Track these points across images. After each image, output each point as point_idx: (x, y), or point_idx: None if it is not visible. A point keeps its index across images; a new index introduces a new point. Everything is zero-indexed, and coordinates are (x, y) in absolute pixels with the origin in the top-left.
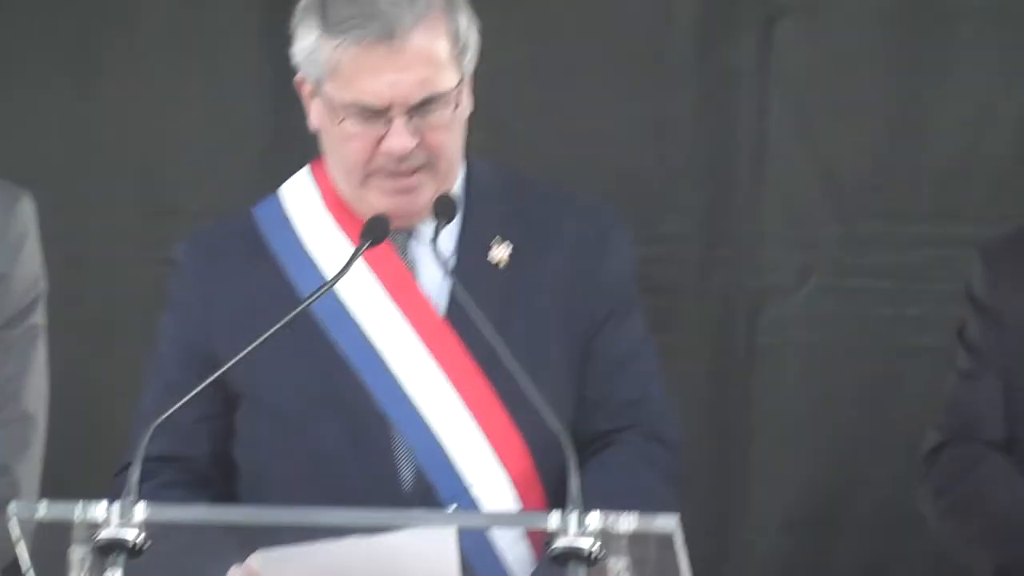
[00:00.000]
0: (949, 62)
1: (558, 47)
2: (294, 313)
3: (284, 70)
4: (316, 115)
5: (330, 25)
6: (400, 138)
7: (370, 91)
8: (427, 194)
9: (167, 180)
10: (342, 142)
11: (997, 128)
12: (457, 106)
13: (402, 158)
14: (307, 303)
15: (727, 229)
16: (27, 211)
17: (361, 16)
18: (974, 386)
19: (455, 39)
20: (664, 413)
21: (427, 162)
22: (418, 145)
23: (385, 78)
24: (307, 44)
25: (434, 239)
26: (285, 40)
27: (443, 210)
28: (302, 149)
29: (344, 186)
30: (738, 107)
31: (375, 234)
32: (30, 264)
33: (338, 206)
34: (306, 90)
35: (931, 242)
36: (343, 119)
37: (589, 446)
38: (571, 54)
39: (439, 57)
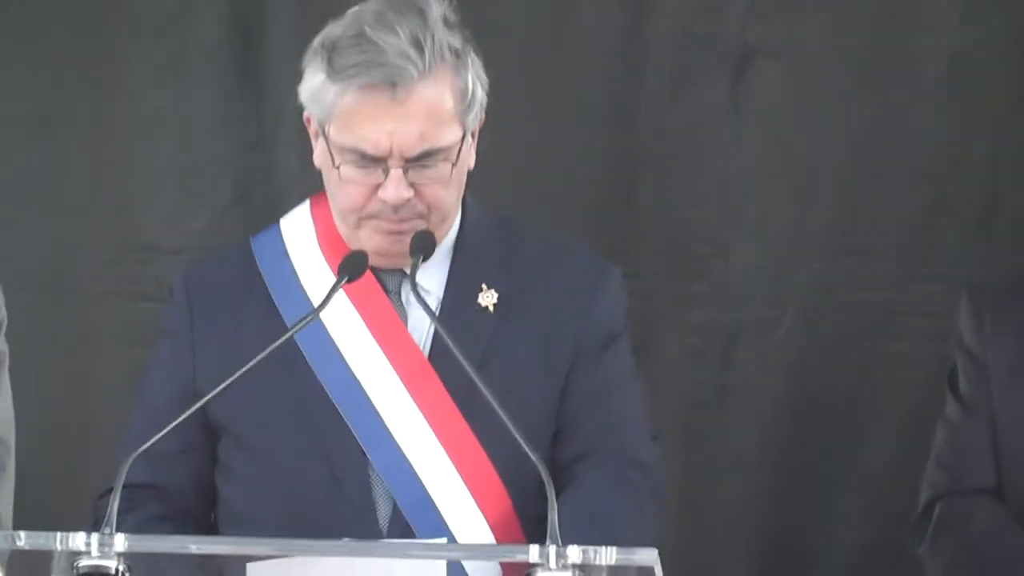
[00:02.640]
0: (919, 102)
1: (531, 84)
2: (274, 346)
3: (258, 111)
4: (319, 154)
5: (336, 70)
6: (396, 189)
7: (370, 139)
8: (417, 244)
9: (142, 217)
10: (340, 185)
11: (966, 165)
12: (457, 162)
13: (396, 208)
14: (286, 337)
15: (702, 265)
16: None
17: (367, 64)
18: (962, 436)
19: (461, 95)
20: (639, 435)
21: (421, 214)
22: (414, 197)
23: (385, 127)
24: (313, 85)
25: (412, 275)
26: (260, 81)
27: (419, 246)
28: (276, 189)
29: (340, 225)
30: (712, 145)
31: (351, 271)
32: None
33: (332, 241)
34: (312, 128)
35: (907, 279)
36: (342, 163)
37: (563, 473)
38: (543, 92)
39: (442, 111)
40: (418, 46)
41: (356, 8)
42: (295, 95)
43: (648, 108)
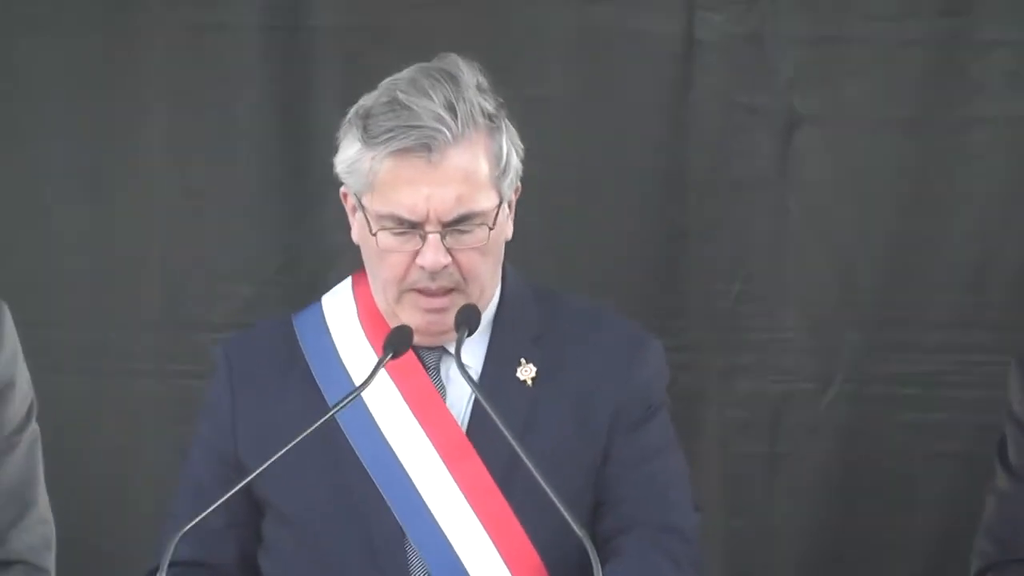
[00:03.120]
0: (962, 170)
1: (576, 153)
2: (316, 424)
3: (302, 184)
4: (357, 228)
5: (371, 136)
6: (434, 254)
7: (406, 204)
8: (458, 320)
9: (186, 291)
10: (380, 256)
11: (1012, 234)
12: (494, 227)
13: (435, 274)
14: (329, 415)
15: (748, 336)
16: (10, 320)
17: (401, 128)
18: (1013, 505)
19: (496, 160)
20: (680, 506)
21: (459, 285)
22: (452, 263)
23: (422, 191)
24: (349, 156)
25: (457, 350)
26: (305, 153)
27: (464, 320)
28: (318, 263)
29: (381, 300)
30: (759, 214)
31: (396, 346)
32: (25, 372)
33: (373, 319)
34: (349, 203)
35: (951, 349)
36: (380, 230)
37: (605, 546)
38: (589, 161)
39: (478, 176)
40: (451, 110)
41: (389, 78)
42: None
43: (694, 177)
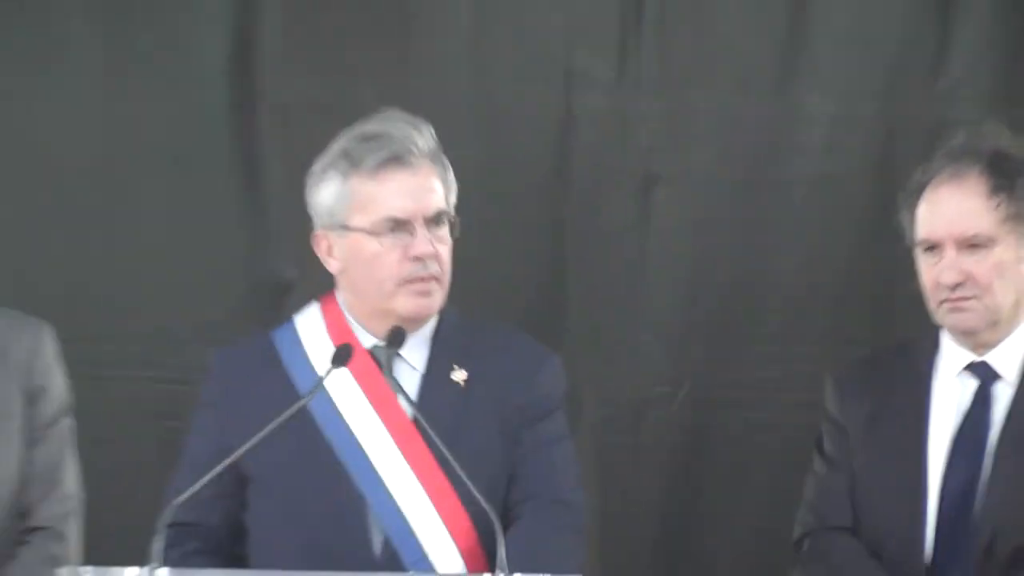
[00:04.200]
0: (787, 219)
1: (477, 207)
2: (290, 412)
3: (257, 230)
4: (339, 256)
5: (354, 163)
6: (425, 244)
7: (398, 206)
8: (437, 300)
9: (168, 310)
10: (374, 261)
11: (828, 270)
12: (452, 228)
13: (426, 262)
14: (299, 404)
15: (616, 350)
16: (52, 338)
17: (378, 145)
18: (826, 486)
19: (444, 179)
20: (568, 482)
21: (438, 274)
22: (432, 255)
23: (409, 193)
24: (329, 194)
25: (388, 361)
26: (262, 199)
27: (394, 338)
28: (271, 291)
29: (373, 301)
30: (623, 254)
31: (340, 360)
32: (60, 379)
33: (340, 330)
34: (323, 245)
35: (777, 361)
36: (380, 233)
37: (509, 512)
38: (490, 212)
39: (439, 183)
40: (416, 136)
41: (345, 132)
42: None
43: (572, 225)
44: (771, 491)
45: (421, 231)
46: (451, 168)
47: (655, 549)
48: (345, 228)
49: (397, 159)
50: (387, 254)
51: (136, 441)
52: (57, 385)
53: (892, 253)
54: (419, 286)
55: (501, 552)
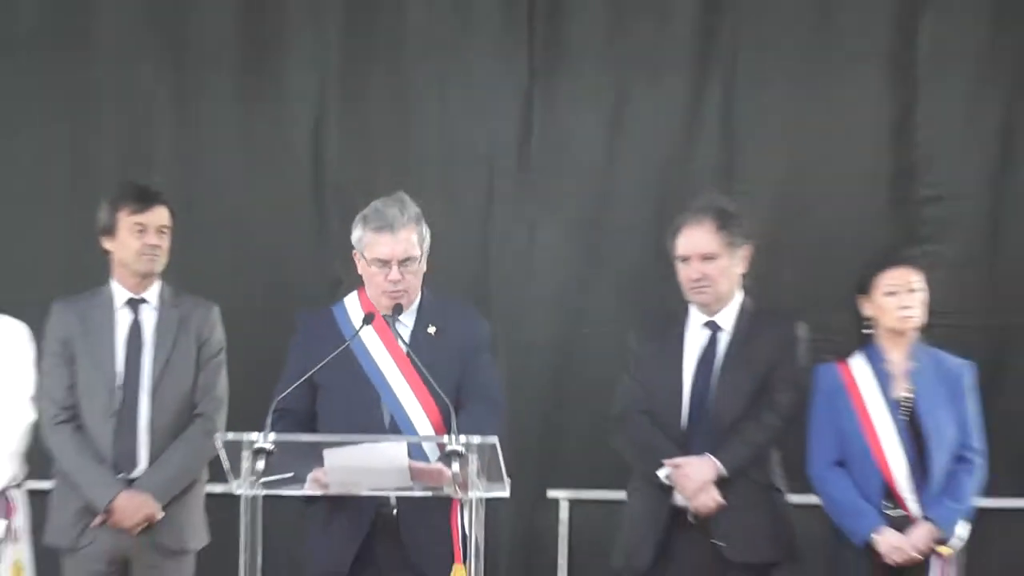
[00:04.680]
0: (611, 248)
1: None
2: (340, 348)
3: (325, 249)
4: (361, 269)
5: (367, 224)
6: (395, 275)
7: (384, 253)
8: (404, 303)
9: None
10: (372, 278)
11: (651, 280)
12: (420, 265)
13: (396, 285)
14: (345, 344)
15: (508, 302)
16: (216, 312)
17: (380, 219)
18: (631, 388)
19: (420, 236)
20: (494, 388)
21: (405, 290)
22: (401, 280)
23: (389, 246)
24: (357, 236)
25: (393, 324)
26: (327, 235)
27: (396, 311)
28: (331, 284)
29: (371, 296)
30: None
31: (367, 320)
32: (219, 334)
33: (367, 307)
34: (358, 258)
35: (602, 324)
36: (373, 265)
37: (461, 405)
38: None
39: (414, 241)
40: (402, 211)
41: (373, 203)
42: (342, 243)
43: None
44: (600, 399)
45: (395, 267)
46: (425, 227)
47: (528, 430)
48: (362, 256)
49: (387, 226)
50: (376, 276)
51: (252, 368)
52: (215, 338)
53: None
54: (391, 297)
55: (454, 424)
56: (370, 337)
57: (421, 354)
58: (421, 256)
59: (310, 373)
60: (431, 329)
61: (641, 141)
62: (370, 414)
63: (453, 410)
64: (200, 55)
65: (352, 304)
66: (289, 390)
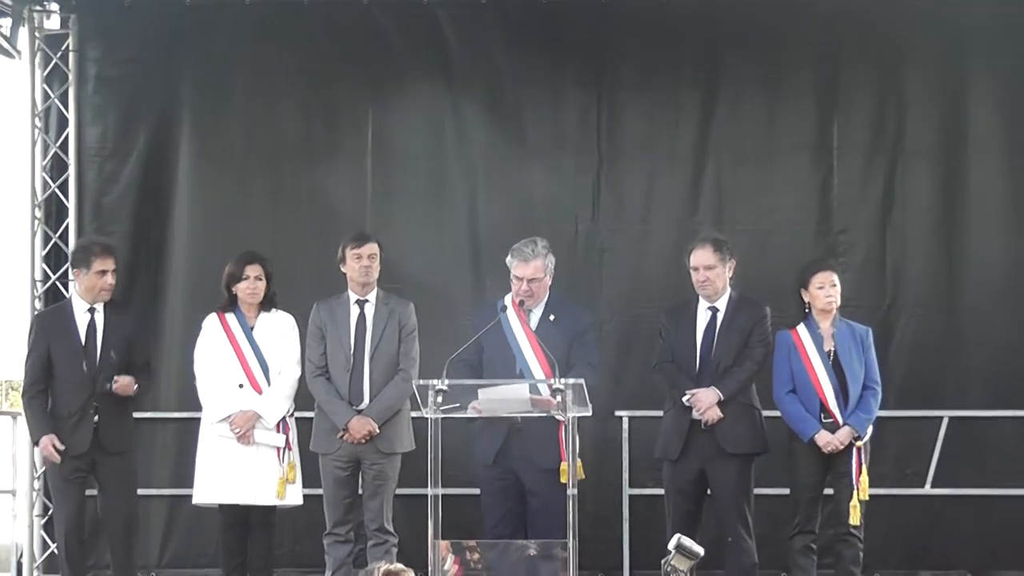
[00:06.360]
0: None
1: None
2: (490, 324)
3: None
4: (512, 280)
5: (513, 256)
6: (525, 288)
7: (519, 273)
8: (530, 302)
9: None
10: (513, 287)
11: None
12: (545, 279)
13: (524, 293)
14: (493, 321)
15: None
16: (412, 307)
17: (519, 253)
18: (663, 347)
19: (544, 263)
20: (592, 356)
21: (531, 294)
22: (528, 290)
23: (522, 270)
24: (508, 260)
25: (528, 313)
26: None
27: (522, 305)
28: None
29: (515, 296)
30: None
31: (502, 310)
32: (413, 320)
33: (512, 303)
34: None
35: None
36: (512, 280)
37: (572, 365)
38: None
39: (538, 266)
40: (533, 249)
41: (519, 242)
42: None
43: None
44: (639, 355)
45: (525, 283)
46: (552, 255)
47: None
48: (511, 273)
49: (522, 258)
50: (514, 285)
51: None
52: (410, 323)
53: None
54: (522, 297)
55: (557, 373)
56: (513, 319)
57: (543, 332)
58: (545, 275)
59: (477, 336)
60: (551, 317)
61: (668, 204)
62: (508, 366)
63: (557, 367)
64: None
65: (506, 300)
66: (463, 348)
